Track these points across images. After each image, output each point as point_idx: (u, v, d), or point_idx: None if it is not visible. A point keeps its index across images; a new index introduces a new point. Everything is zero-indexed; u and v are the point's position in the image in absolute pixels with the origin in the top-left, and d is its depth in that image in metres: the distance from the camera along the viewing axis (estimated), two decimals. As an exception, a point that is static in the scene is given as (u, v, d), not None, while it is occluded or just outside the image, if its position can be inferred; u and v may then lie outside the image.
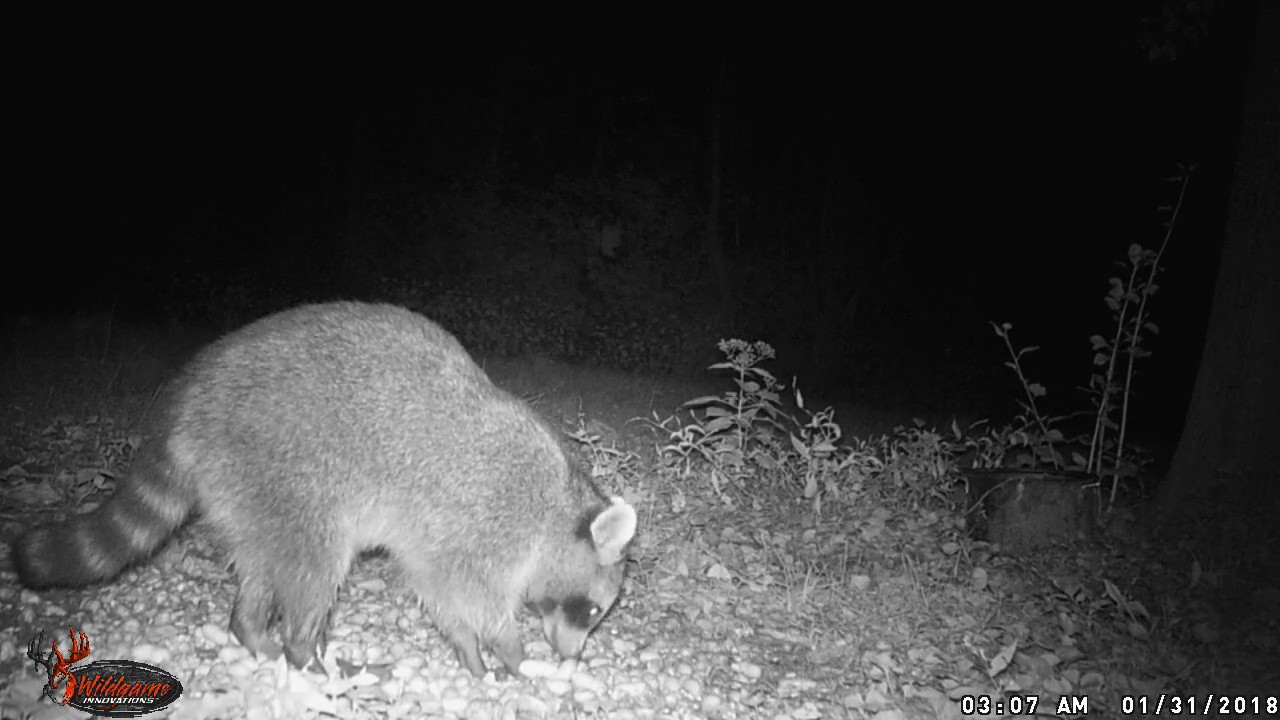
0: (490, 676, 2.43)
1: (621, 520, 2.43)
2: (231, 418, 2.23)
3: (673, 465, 4.78)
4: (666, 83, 16.70)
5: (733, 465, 4.64)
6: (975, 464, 5.02)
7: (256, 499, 2.22)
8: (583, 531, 2.43)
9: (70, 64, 12.87)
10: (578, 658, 2.52)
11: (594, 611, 2.50)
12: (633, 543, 2.55)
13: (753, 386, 4.62)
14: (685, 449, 4.72)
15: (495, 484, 2.35)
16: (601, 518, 2.42)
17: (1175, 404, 5.06)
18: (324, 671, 2.15)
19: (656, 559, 3.60)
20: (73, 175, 13.05)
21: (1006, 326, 4.96)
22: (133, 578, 2.91)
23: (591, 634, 2.71)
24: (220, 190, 14.77)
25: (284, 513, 2.23)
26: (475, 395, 2.39)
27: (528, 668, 2.44)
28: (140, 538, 2.36)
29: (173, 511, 2.35)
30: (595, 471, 4.72)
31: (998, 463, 5.06)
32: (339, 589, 2.36)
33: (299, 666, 2.24)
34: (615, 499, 2.50)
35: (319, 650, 2.37)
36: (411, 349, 2.35)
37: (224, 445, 2.23)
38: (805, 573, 3.46)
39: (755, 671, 2.67)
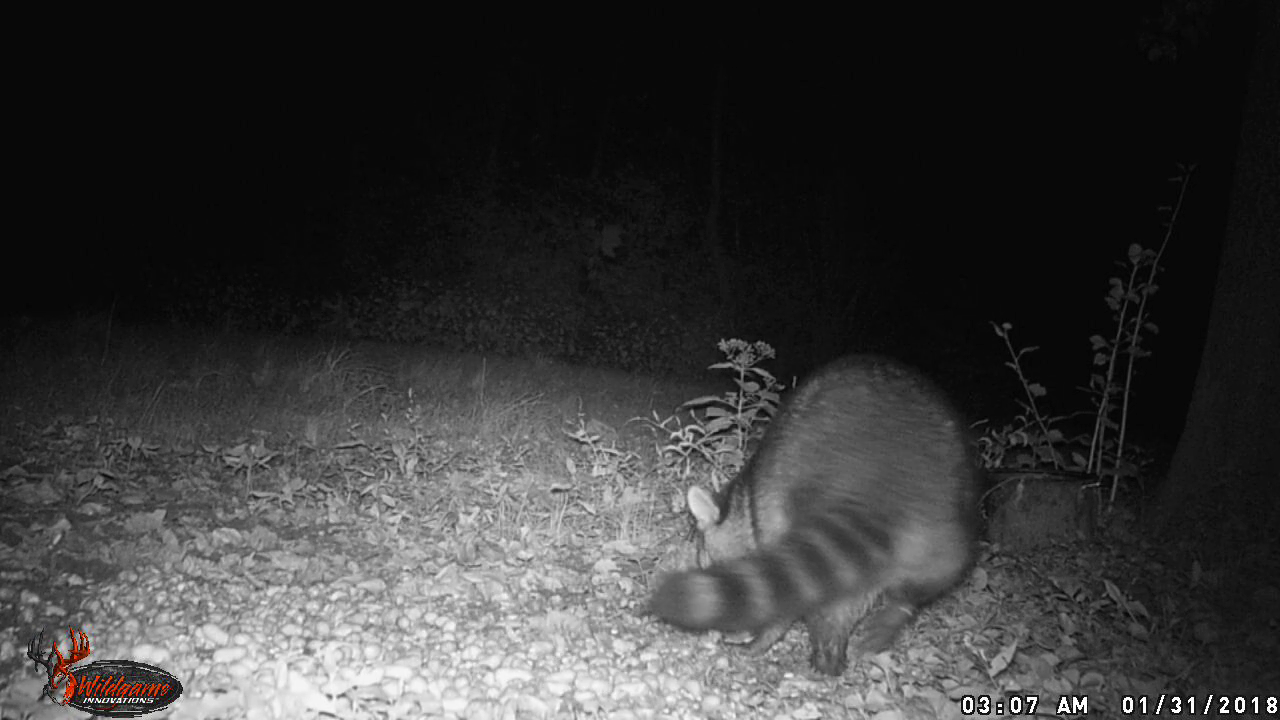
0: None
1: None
2: None
3: (673, 465, 4.78)
4: (666, 83, 16.69)
5: (733, 465, 4.64)
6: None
7: None
8: None
9: (71, 64, 12.88)
10: None
11: None
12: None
13: (753, 386, 4.62)
14: (685, 449, 4.72)
15: None
16: None
17: (1175, 404, 5.05)
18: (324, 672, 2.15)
19: (656, 559, 3.60)
20: (73, 175, 13.06)
21: (1006, 326, 4.95)
22: (132, 578, 2.91)
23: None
24: (220, 190, 14.77)
25: None
26: None
27: None
28: None
29: None
30: (595, 471, 4.72)
31: (998, 463, 5.05)
32: None
33: None
34: None
35: None
36: None
37: None
38: (805, 573, 3.45)
39: (755, 671, 2.66)
